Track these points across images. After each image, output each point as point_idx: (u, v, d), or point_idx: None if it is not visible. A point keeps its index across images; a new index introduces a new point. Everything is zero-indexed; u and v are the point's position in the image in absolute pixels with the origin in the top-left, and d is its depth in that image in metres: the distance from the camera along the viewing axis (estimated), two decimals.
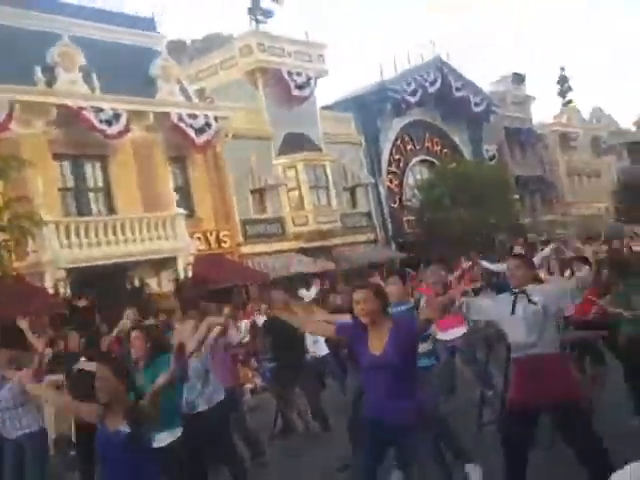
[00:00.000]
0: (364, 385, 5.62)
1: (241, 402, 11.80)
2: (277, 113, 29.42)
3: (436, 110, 38.64)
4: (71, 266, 20.15)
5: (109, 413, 4.83)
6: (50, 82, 22.30)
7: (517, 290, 5.95)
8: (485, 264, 14.18)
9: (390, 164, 35.60)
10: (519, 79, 48.44)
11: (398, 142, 36.33)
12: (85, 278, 20.81)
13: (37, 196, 19.27)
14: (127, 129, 23.05)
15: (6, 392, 8.06)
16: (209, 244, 25.83)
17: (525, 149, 46.42)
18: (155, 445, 5.63)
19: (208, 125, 25.72)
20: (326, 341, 12.95)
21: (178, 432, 6.44)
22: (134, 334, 6.68)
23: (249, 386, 16.58)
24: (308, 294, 22.01)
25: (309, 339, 12.79)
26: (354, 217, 32.68)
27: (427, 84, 36.94)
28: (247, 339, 19.02)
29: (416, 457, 5.27)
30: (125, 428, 4.73)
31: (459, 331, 10.56)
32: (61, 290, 20.05)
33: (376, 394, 5.35)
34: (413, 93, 36.01)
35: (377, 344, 5.31)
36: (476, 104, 40.14)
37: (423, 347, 7.10)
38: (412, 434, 5.23)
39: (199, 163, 26.37)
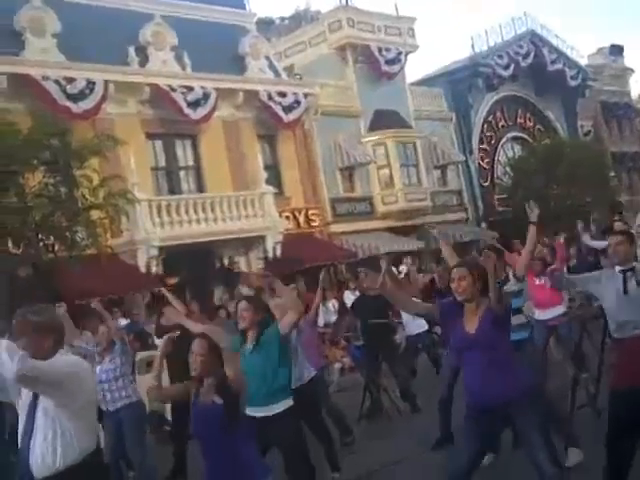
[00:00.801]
0: (461, 367, 5.41)
1: (327, 381, 11.78)
2: (366, 89, 29.13)
3: (529, 85, 37.69)
4: (163, 244, 20.44)
5: (203, 388, 4.85)
6: (143, 62, 22.60)
7: (624, 267, 5.63)
8: (587, 240, 13.73)
9: (481, 141, 34.97)
10: (617, 51, 46.79)
11: (490, 118, 35.61)
12: (176, 256, 21.10)
13: (130, 175, 19.58)
14: (213, 111, 23.19)
15: (107, 364, 8.27)
16: (298, 223, 25.85)
17: (622, 124, 44.87)
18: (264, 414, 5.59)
19: (297, 103, 25.67)
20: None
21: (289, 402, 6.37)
22: (242, 305, 6.46)
23: (338, 366, 16.52)
24: (398, 272, 21.87)
25: (405, 317, 12.67)
26: (444, 195, 32.22)
27: (520, 58, 36.01)
28: (336, 318, 19.04)
29: (525, 436, 5.07)
30: (219, 400, 4.75)
31: (558, 310, 10.27)
32: (153, 268, 20.37)
33: (473, 377, 5.17)
34: (506, 67, 35.17)
35: (472, 323, 5.16)
36: (571, 78, 38.93)
37: (515, 319, 6.82)
38: (518, 411, 5.04)
39: (288, 141, 26.37)
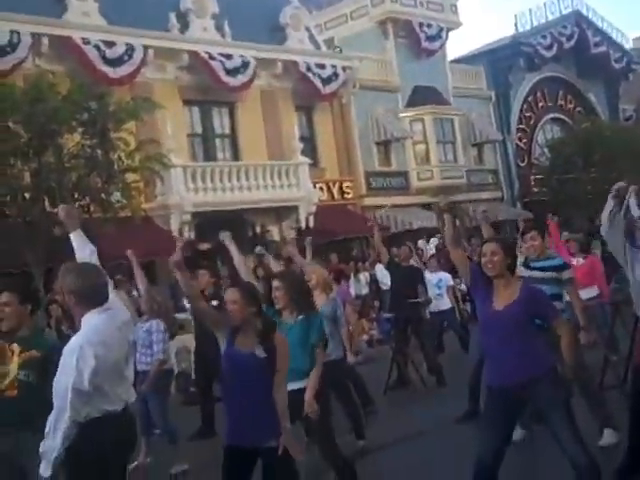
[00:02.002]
0: (484, 346, 5.35)
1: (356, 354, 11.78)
2: (406, 65, 28.91)
3: (572, 66, 37.14)
4: (196, 210, 20.54)
5: (240, 336, 4.86)
6: (183, 29, 22.61)
7: None
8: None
9: (520, 121, 34.60)
10: None
11: (530, 98, 35.19)
12: (208, 223, 21.18)
13: (167, 140, 19.65)
14: (251, 81, 23.16)
15: (142, 332, 8.38)
16: (332, 194, 25.83)
17: None
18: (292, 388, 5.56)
19: (336, 75, 25.57)
20: None
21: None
22: (276, 284, 6.22)
23: (365, 337, 16.59)
24: (428, 247, 21.85)
25: (432, 292, 12.70)
26: (480, 174, 32.00)
27: (564, 38, 35.46)
28: (366, 291, 19.10)
29: (547, 417, 5.01)
30: (261, 353, 4.77)
31: (592, 292, 10.19)
32: (185, 233, 20.49)
33: (494, 354, 5.12)
34: (548, 47, 34.66)
35: (501, 300, 5.07)
36: (615, 60, 38.26)
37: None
38: (542, 393, 4.98)
39: (325, 113, 26.30)
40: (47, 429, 4.15)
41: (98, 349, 4.23)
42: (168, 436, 8.32)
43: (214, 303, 9.41)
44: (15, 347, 5.12)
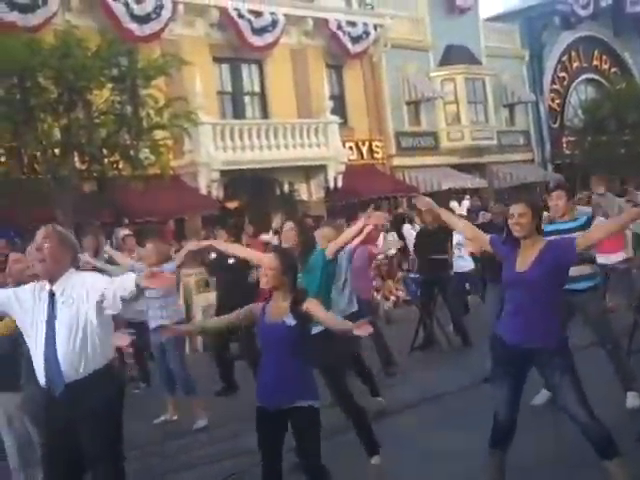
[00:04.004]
0: (505, 304, 5.28)
1: (376, 314, 11.81)
2: (439, 23, 28.47)
3: (608, 25, 36.33)
4: (224, 168, 20.51)
5: (271, 304, 4.96)
6: None
7: None
8: None
9: (553, 81, 34.04)
10: None
11: (564, 58, 34.58)
12: (237, 181, 21.20)
13: (196, 97, 19.58)
14: (277, 41, 22.97)
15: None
16: (361, 154, 25.69)
17: None
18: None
19: (366, 33, 25.28)
20: None
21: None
22: (287, 226, 6.55)
23: (392, 299, 16.58)
24: (459, 208, 21.74)
25: (455, 254, 12.64)
26: (511, 135, 31.62)
27: None
28: (393, 251, 19.01)
29: (556, 382, 4.99)
30: (291, 321, 4.83)
31: (619, 256, 10.09)
32: (213, 192, 20.51)
33: (514, 316, 5.08)
34: (585, 6, 33.93)
35: (524, 261, 5.04)
36: None
37: (582, 269, 6.67)
38: (552, 359, 4.96)
39: (355, 71, 26.06)
40: None
41: None
42: (185, 387, 8.40)
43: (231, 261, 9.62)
44: None
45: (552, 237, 5.64)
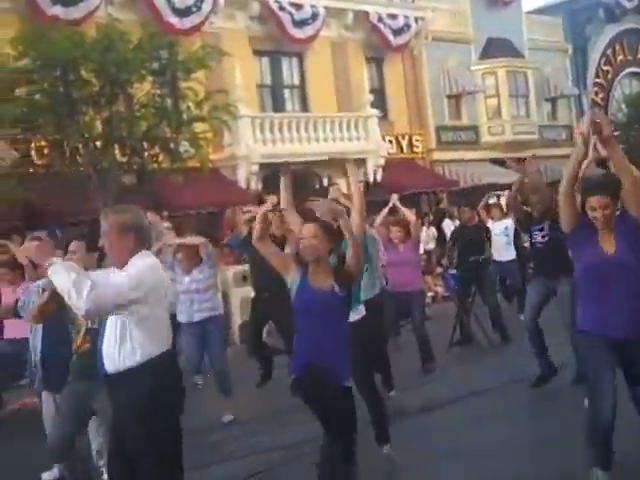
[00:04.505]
0: (585, 292, 4.99)
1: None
2: (480, 16, 28.21)
3: None
4: (263, 161, 20.52)
5: (314, 272, 4.87)
6: None
7: None
8: None
9: (597, 75, 33.55)
10: None
11: (608, 52, 34.06)
12: (276, 174, 21.16)
13: (235, 90, 19.62)
14: (317, 34, 22.94)
15: (196, 275, 8.34)
16: (401, 148, 25.57)
17: None
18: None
19: (407, 26, 25.16)
20: None
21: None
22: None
23: (430, 294, 16.47)
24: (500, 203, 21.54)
25: (500, 243, 12.55)
26: (553, 130, 31.23)
27: None
28: (431, 245, 18.94)
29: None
30: (338, 289, 4.80)
31: None
32: (252, 185, 20.54)
33: (603, 304, 4.79)
34: None
35: (609, 246, 4.81)
36: None
37: None
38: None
39: (396, 65, 25.93)
40: None
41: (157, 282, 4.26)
42: (223, 386, 8.35)
43: None
44: None
45: None
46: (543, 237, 7.90)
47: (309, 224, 4.97)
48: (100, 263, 5.49)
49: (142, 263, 4.22)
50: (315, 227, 4.89)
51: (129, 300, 4.07)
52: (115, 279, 4.12)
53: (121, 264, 4.25)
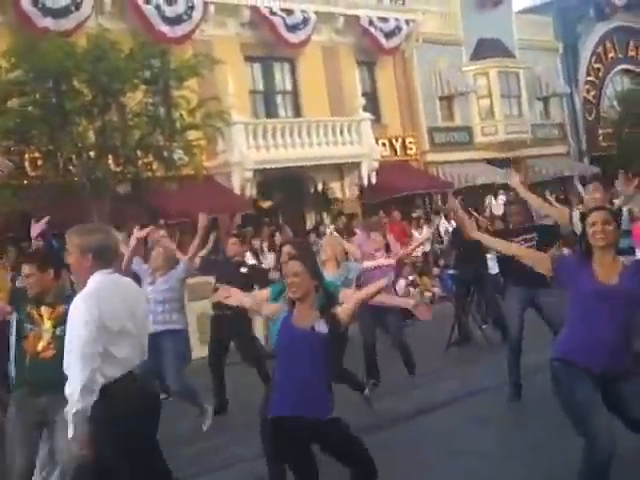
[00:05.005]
0: (572, 318, 4.77)
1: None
2: (470, 16, 28.21)
3: None
4: (257, 167, 20.54)
5: (298, 310, 4.67)
6: None
7: None
8: None
9: (588, 73, 33.59)
10: None
11: (599, 49, 34.12)
12: (270, 180, 21.22)
13: (228, 97, 19.65)
14: (310, 38, 22.99)
15: (161, 284, 8.02)
16: (394, 150, 25.58)
17: None
18: None
19: (398, 29, 25.19)
20: None
21: None
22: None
23: (428, 295, 16.50)
24: (496, 204, 21.64)
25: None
26: (546, 128, 31.27)
27: None
28: (428, 248, 18.98)
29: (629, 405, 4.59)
30: (322, 328, 4.59)
31: None
32: (247, 191, 20.56)
33: (591, 335, 4.56)
34: None
35: (607, 273, 4.60)
36: None
37: None
38: (627, 384, 4.57)
39: (387, 68, 25.97)
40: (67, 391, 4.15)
41: (104, 305, 4.24)
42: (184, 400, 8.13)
43: (243, 270, 9.14)
44: (44, 310, 5.29)
45: None
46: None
47: (292, 261, 4.81)
48: (57, 278, 5.47)
49: (86, 298, 4.24)
50: (298, 265, 4.70)
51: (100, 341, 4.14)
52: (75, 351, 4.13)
53: (83, 283, 4.37)
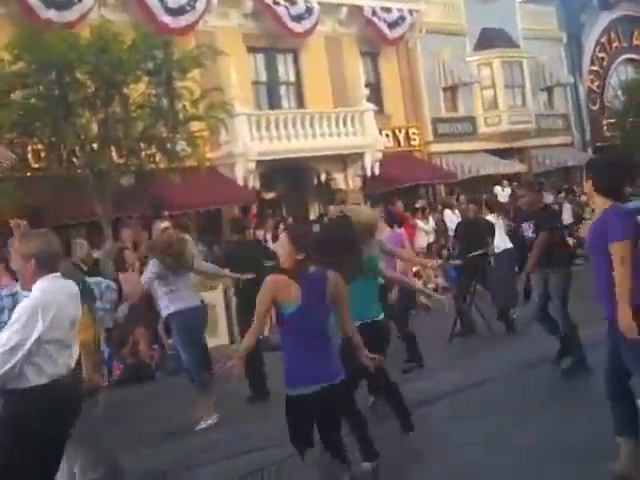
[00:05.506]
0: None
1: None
2: (474, 6, 28.10)
3: None
4: (260, 158, 20.53)
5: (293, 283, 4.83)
6: None
7: None
8: None
9: (592, 63, 33.51)
10: None
11: (603, 39, 34.01)
12: (273, 171, 21.21)
13: (231, 88, 19.62)
14: (314, 27, 22.93)
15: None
16: (398, 141, 25.57)
17: None
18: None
19: (402, 19, 25.15)
20: None
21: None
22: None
23: (431, 286, 16.47)
24: (503, 193, 21.66)
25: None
26: (550, 119, 31.19)
27: None
28: (432, 238, 18.99)
29: None
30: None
31: None
32: (250, 182, 20.55)
33: None
34: None
35: None
36: None
37: None
38: None
39: (391, 58, 25.93)
40: None
41: (50, 310, 4.30)
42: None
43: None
44: None
45: None
46: (533, 232, 8.39)
47: (282, 234, 5.11)
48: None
49: (30, 301, 4.31)
50: (284, 238, 4.94)
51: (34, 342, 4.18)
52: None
53: (28, 287, 4.48)
